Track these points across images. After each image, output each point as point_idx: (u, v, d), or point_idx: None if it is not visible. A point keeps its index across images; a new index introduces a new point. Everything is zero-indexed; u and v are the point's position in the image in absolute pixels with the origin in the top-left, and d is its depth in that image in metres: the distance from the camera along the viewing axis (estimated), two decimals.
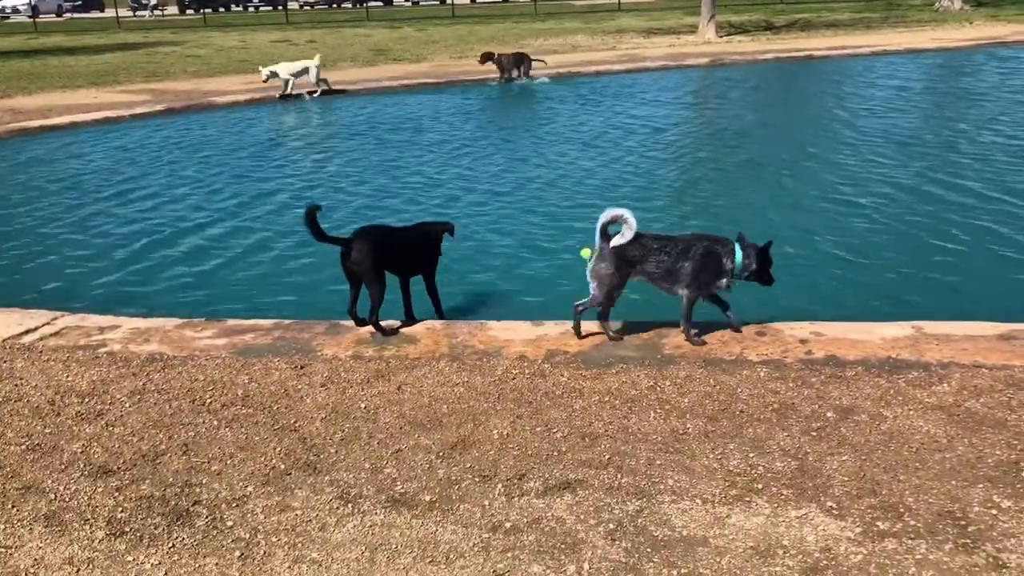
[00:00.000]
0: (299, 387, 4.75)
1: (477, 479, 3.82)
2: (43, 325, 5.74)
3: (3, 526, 3.60)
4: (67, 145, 13.66)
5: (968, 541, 3.26)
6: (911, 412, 4.16)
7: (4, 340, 5.49)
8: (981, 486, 3.58)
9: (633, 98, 16.25)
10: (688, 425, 4.17)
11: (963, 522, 3.37)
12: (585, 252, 5.51)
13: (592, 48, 25.11)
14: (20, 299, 6.63)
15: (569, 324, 5.29)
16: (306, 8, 61.40)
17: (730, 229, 5.14)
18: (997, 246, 7.10)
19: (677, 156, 11.46)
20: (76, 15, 62.55)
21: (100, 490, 3.84)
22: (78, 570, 3.34)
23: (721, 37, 27.05)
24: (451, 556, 3.34)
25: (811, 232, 7.64)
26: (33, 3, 54.28)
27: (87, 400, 4.67)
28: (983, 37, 23.44)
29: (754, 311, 5.35)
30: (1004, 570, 3.11)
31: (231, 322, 5.72)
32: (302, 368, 4.98)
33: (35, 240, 8.71)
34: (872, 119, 13.01)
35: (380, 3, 59.93)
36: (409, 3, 63.12)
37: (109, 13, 56.59)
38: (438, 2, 59.86)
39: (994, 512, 3.41)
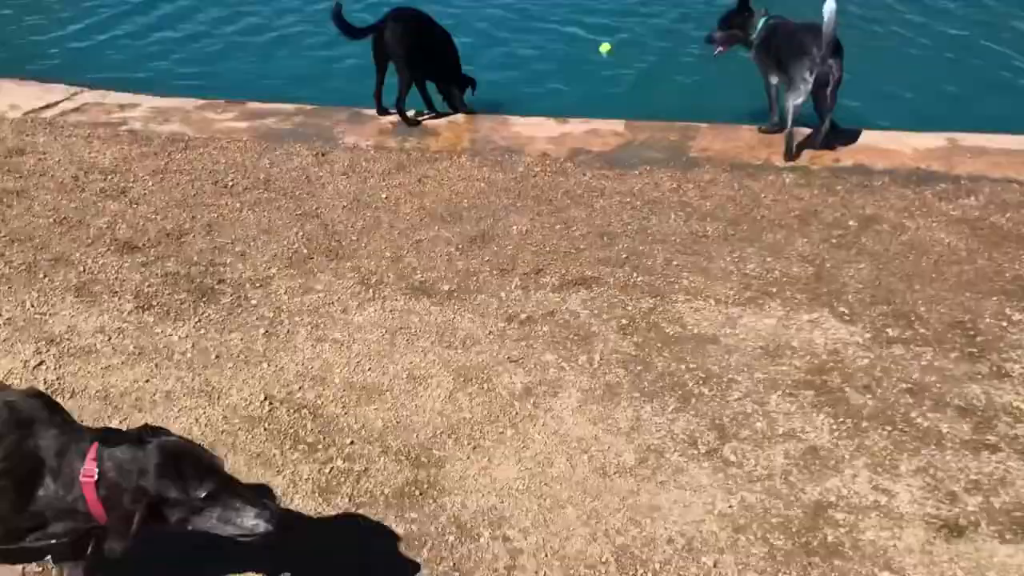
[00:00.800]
0: (320, 174, 4.74)
1: (495, 272, 3.88)
2: (63, 100, 5.68)
3: (37, 294, 3.73)
4: None
5: (975, 350, 3.32)
6: (934, 224, 4.13)
7: (25, 114, 5.45)
8: (995, 299, 3.60)
9: None
10: (708, 228, 4.17)
11: (972, 332, 3.42)
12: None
13: None
14: (33, 69, 6.46)
15: (595, 123, 5.20)
16: None
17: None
18: None
19: None
20: None
21: (127, 265, 3.93)
22: (109, 338, 3.49)
23: None
24: (468, 342, 3.45)
25: (844, 40, 7.27)
26: None
27: (110, 177, 4.69)
28: None
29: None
30: (1007, 379, 3.18)
31: (252, 105, 5.64)
32: (323, 155, 4.94)
33: (46, 9, 8.41)
34: None
35: None
36: None
37: None
38: None
39: (1004, 324, 3.46)
